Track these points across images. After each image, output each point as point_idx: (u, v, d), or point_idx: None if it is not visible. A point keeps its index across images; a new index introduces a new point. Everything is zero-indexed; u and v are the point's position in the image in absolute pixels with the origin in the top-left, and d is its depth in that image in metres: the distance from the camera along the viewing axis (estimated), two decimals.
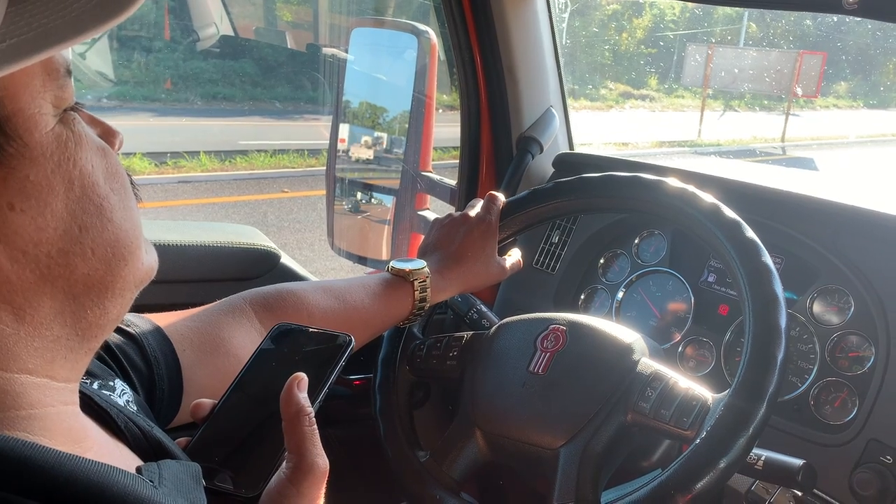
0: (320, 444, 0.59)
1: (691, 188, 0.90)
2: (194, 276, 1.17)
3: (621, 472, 0.87)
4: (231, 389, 0.65)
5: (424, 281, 0.93)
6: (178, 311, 0.83)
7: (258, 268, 1.23)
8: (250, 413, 0.63)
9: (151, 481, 0.46)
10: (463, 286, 0.99)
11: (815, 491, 0.95)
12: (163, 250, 1.14)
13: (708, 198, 0.88)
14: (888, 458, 0.90)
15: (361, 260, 1.83)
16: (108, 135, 0.53)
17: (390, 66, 1.81)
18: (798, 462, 0.78)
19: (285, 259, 1.27)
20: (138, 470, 0.50)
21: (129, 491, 0.44)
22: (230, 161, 7.70)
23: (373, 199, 1.88)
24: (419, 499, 0.84)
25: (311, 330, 0.68)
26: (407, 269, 0.93)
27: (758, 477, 0.83)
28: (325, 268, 4.97)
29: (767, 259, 0.80)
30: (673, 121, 12.31)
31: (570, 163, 1.38)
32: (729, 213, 0.86)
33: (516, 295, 1.36)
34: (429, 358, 0.98)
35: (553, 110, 1.41)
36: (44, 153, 0.44)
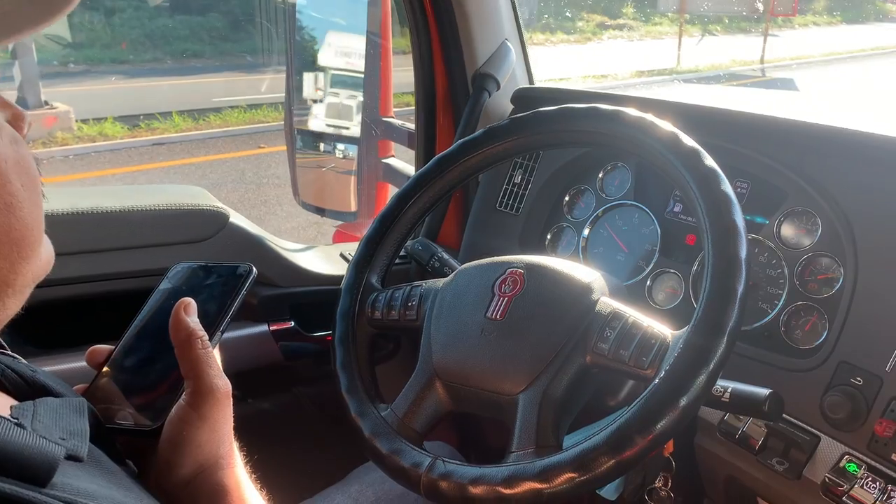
0: (218, 367, 0.59)
1: (650, 117, 0.85)
2: (140, 241, 1.13)
3: (589, 411, 0.85)
4: (128, 333, 0.64)
5: None
6: None
7: (207, 229, 1.19)
8: (150, 353, 0.62)
9: (17, 419, 0.43)
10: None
11: (787, 417, 0.93)
12: (105, 218, 1.11)
13: (666, 126, 0.84)
14: (858, 379, 0.89)
15: (319, 211, 1.79)
16: (16, 119, 0.49)
17: (341, 7, 1.74)
18: (764, 392, 0.76)
19: (234, 218, 1.22)
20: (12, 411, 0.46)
21: None
22: (204, 119, 7.57)
23: (336, 150, 1.83)
24: (378, 453, 0.82)
25: (209, 264, 0.67)
26: None
27: (725, 409, 0.81)
28: (307, 221, 4.93)
29: (727, 188, 0.77)
30: (651, 49, 12.12)
31: (529, 98, 1.33)
32: (687, 141, 0.81)
33: (481, 238, 1.33)
34: (388, 309, 0.94)
35: (508, 43, 1.35)
36: None
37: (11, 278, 0.46)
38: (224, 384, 0.58)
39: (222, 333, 0.63)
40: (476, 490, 0.72)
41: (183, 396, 0.58)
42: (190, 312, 0.59)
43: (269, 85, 8.36)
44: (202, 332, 0.58)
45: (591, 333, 0.78)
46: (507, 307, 0.84)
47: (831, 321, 0.96)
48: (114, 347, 0.64)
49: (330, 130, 1.82)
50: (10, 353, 0.57)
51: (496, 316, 0.83)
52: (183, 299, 0.59)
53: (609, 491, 1.03)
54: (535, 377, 0.77)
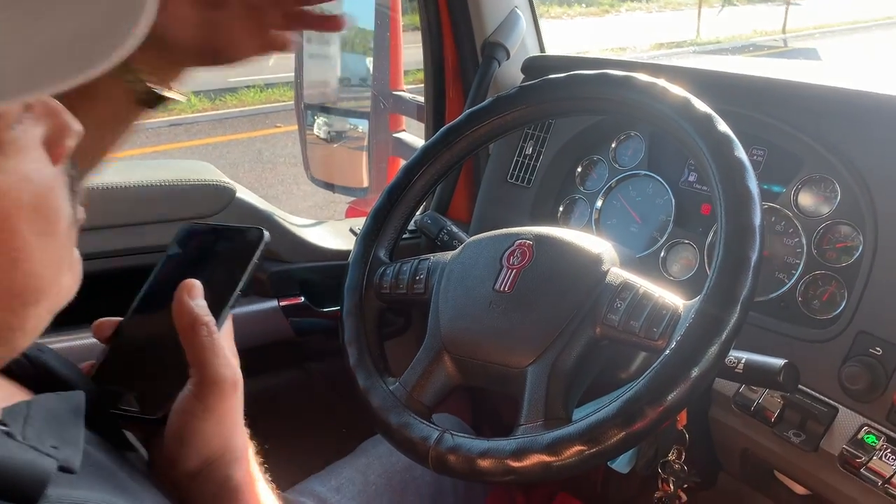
0: (226, 354, 0.54)
1: (661, 82, 0.83)
2: (147, 217, 1.12)
3: (600, 385, 0.84)
4: (137, 304, 0.60)
5: None
6: None
7: (214, 204, 1.18)
8: (158, 328, 0.57)
9: (7, 425, 0.39)
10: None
11: (804, 388, 0.91)
12: (111, 193, 1.10)
13: (678, 91, 0.81)
14: (877, 349, 0.86)
15: (329, 187, 1.77)
16: (60, 135, 0.40)
17: None
18: (779, 362, 0.74)
19: (241, 193, 1.21)
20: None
21: None
22: (220, 100, 7.56)
23: (346, 126, 1.81)
24: (387, 426, 0.81)
25: (219, 227, 0.63)
26: None
27: (739, 380, 0.79)
28: (325, 200, 4.93)
29: (741, 153, 0.74)
30: (671, 21, 11.94)
31: (540, 66, 1.30)
32: (700, 106, 0.79)
33: (492, 211, 1.31)
34: (395, 283, 0.93)
35: (518, 11, 1.33)
36: None
37: (17, 323, 0.41)
38: (232, 374, 0.54)
39: (231, 309, 0.58)
40: (484, 463, 0.71)
41: (188, 386, 0.54)
42: (195, 295, 0.54)
43: (275, 62, 8.32)
44: (208, 318, 0.54)
45: (600, 305, 0.76)
46: (516, 279, 0.82)
47: (850, 290, 0.93)
48: (120, 320, 0.60)
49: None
50: None
51: (504, 288, 0.82)
52: (185, 281, 0.55)
53: (621, 464, 1.01)
54: (543, 350, 0.76)
